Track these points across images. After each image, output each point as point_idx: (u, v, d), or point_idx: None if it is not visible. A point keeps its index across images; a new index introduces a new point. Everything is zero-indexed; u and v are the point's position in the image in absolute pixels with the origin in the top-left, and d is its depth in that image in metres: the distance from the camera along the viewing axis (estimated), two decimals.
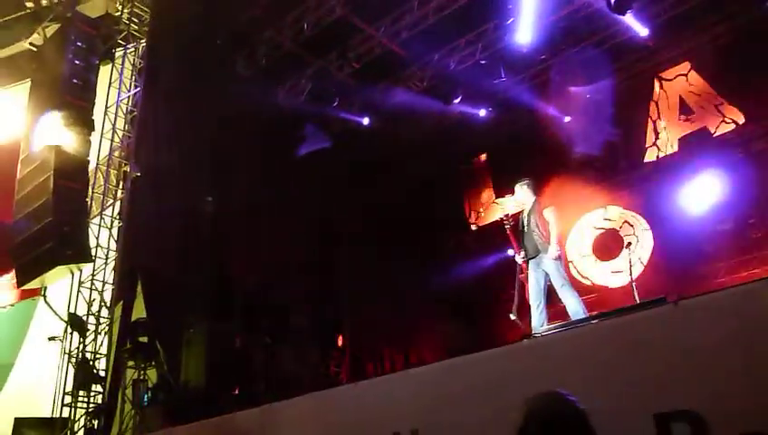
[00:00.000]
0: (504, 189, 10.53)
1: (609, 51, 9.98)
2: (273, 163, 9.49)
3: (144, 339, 8.54)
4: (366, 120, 11.40)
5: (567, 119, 10.75)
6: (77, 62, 10.03)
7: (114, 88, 10.53)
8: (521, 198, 6.45)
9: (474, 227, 12.24)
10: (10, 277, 11.35)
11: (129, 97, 10.51)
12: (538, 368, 4.74)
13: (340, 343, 9.65)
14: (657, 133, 10.10)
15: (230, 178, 9.30)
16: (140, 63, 10.80)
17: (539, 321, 6.10)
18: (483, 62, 10.39)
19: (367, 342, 10.05)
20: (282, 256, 9.35)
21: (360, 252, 10.06)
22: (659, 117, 10.16)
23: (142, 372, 8.49)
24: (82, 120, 9.50)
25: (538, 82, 10.81)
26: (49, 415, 9.04)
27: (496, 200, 11.81)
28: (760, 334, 3.18)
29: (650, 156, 10.14)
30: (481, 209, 12.31)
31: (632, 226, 9.86)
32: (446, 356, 6.12)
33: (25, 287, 9.69)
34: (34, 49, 10.88)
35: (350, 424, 6.12)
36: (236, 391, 8.88)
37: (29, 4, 11.42)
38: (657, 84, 10.28)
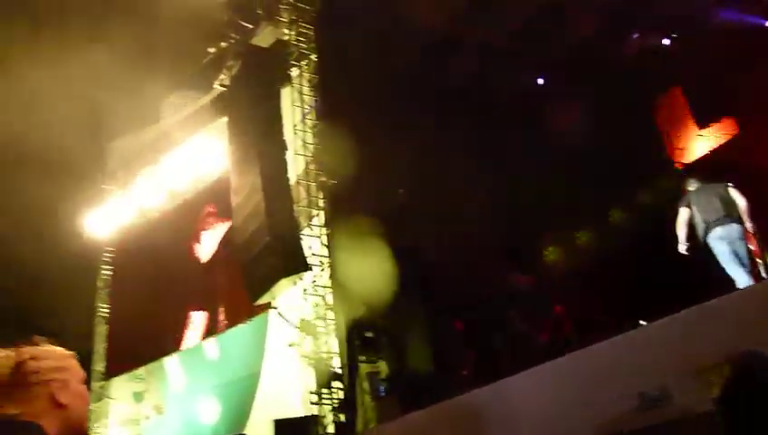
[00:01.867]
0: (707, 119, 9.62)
1: None
2: (461, 148, 9.51)
3: (369, 334, 9.02)
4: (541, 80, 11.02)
5: None
6: (261, 91, 10.88)
7: (297, 107, 11.22)
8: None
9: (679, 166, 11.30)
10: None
11: (311, 111, 11.14)
12: None
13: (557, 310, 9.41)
14: None
15: (422, 167, 9.47)
16: (315, 78, 11.40)
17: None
18: None
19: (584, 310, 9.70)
20: (483, 236, 9.33)
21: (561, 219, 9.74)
22: None
23: (374, 365, 8.98)
24: (277, 143, 10.29)
25: None
26: (299, 414, 9.88)
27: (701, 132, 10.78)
28: None
29: None
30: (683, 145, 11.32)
31: None
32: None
33: (258, 303, 10.69)
34: (224, 88, 11.95)
35: (587, 388, 5.97)
36: (465, 372, 9.07)
37: (212, 50, 12.59)
38: None
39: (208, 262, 13.54)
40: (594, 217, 9.28)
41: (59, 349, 1.72)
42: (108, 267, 15.91)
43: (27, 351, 1.64)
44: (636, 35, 10.46)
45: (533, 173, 9.87)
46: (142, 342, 14.41)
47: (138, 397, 14.86)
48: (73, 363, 1.72)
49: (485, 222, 9.93)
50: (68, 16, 12.33)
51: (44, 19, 12.80)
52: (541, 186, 9.68)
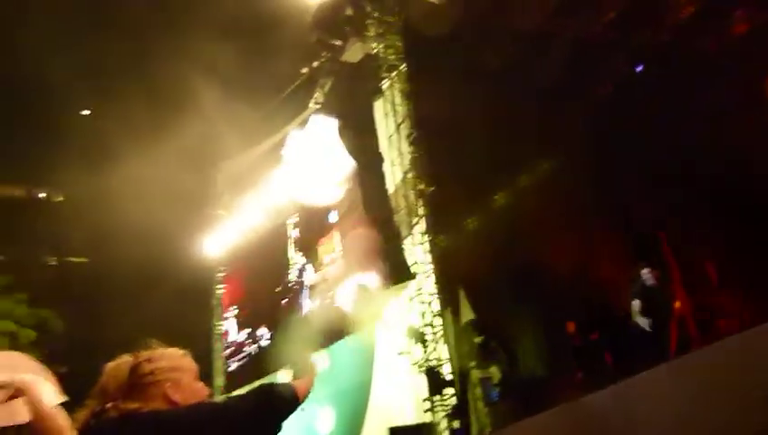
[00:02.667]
0: None
1: None
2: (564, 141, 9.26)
3: (479, 339, 8.95)
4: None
5: None
6: (354, 105, 11.12)
7: (390, 118, 11.36)
8: None
9: None
10: None
11: (404, 120, 11.24)
12: None
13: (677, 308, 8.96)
14: None
15: (522, 168, 9.34)
16: (406, 87, 11.49)
17: None
18: None
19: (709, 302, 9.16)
20: (594, 233, 9.04)
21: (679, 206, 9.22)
22: None
23: (486, 370, 8.90)
24: (373, 155, 10.46)
25: None
26: (413, 422, 9.94)
27: None
28: None
29: None
30: None
31: None
32: None
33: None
34: (319, 106, 12.29)
35: (717, 387, 5.64)
36: (578, 376, 8.81)
37: (304, 70, 12.99)
38: None
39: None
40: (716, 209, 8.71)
41: (173, 350, 1.86)
42: (221, 286, 16.72)
43: (143, 354, 1.80)
44: (740, 12, 9.82)
45: (641, 164, 9.43)
46: (257, 355, 15.04)
47: None
48: (186, 362, 1.86)
49: (599, 215, 9.54)
50: (166, 49, 13.09)
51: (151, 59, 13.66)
52: (655, 173, 9.18)
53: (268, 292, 14.96)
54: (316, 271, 13.46)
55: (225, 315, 16.48)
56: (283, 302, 14.37)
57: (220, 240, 16.02)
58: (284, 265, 14.53)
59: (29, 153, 17.95)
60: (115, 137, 13.55)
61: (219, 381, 15.79)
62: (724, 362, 5.83)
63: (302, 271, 14.14)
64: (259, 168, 14.99)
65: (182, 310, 14.67)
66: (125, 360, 1.82)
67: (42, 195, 23.23)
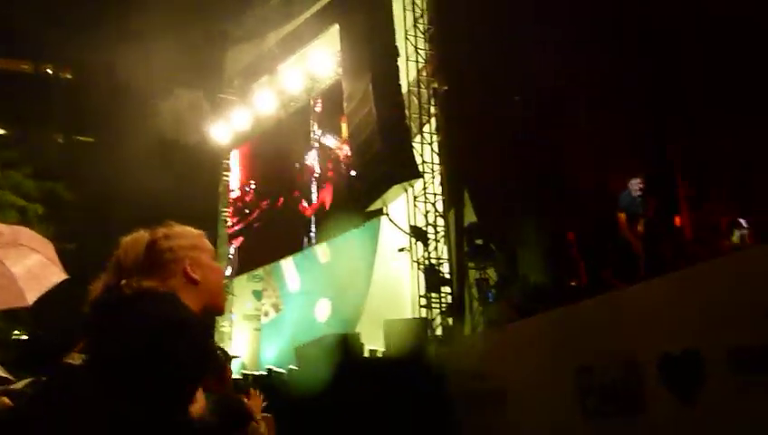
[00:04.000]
0: None
1: None
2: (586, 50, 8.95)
3: (479, 241, 9.06)
4: None
5: None
6: None
7: (409, 12, 10.99)
8: None
9: None
10: None
11: (424, 16, 10.88)
12: None
13: (677, 223, 8.97)
14: None
15: (540, 76, 9.07)
16: None
17: None
18: None
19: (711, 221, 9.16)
20: (609, 147, 8.91)
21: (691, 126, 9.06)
22: None
23: (483, 272, 9.08)
24: (388, 49, 10.19)
25: None
26: (409, 316, 10.24)
27: None
28: None
29: None
30: None
31: None
32: None
33: (370, 209, 10.96)
34: None
35: (717, 302, 5.74)
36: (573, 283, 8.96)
37: None
38: None
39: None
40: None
41: (190, 228, 1.79)
42: (227, 173, 16.80)
43: (161, 230, 1.73)
44: None
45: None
46: (261, 245, 15.33)
47: (258, 295, 15.94)
48: (205, 242, 1.80)
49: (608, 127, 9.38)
50: None
51: None
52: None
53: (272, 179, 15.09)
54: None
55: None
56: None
57: (229, 125, 15.92)
58: (305, 141, 14.53)
59: (38, 30, 17.58)
60: (125, 14, 13.21)
61: (222, 265, 16.19)
62: (719, 278, 5.92)
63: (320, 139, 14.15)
64: (273, 56, 14.69)
65: (189, 193, 14.81)
66: (142, 235, 1.73)
67: (48, 70, 22.93)
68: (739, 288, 5.55)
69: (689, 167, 9.49)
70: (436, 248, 10.06)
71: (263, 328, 15.59)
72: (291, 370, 10.60)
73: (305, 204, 14.37)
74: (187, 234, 1.76)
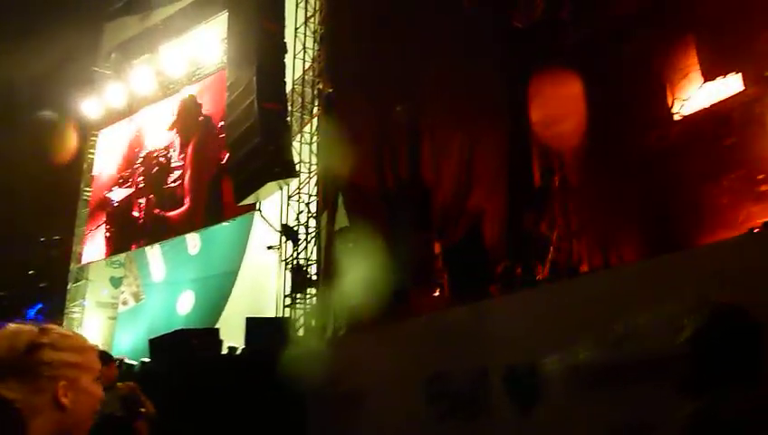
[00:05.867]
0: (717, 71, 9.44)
1: None
2: (465, 65, 9.28)
3: (351, 244, 9.11)
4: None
5: None
6: None
7: (301, 8, 10.90)
8: None
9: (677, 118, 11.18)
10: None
11: (315, 15, 10.83)
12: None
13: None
14: None
15: (422, 84, 9.28)
16: None
17: None
18: None
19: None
20: (476, 161, 9.27)
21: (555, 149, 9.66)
22: None
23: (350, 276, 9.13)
24: (276, 43, 10.04)
25: None
26: (273, 315, 10.12)
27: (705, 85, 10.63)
28: None
29: None
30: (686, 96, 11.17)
31: None
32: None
33: (242, 203, 10.73)
34: None
35: (559, 321, 6.13)
36: (437, 293, 9.23)
37: None
38: None
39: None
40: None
41: (81, 339, 1.58)
42: (94, 151, 15.82)
43: (49, 335, 1.50)
44: None
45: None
46: (124, 229, 14.55)
47: (116, 282, 15.14)
48: (92, 359, 1.58)
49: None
50: None
51: None
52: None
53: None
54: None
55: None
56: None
57: (102, 101, 15.01)
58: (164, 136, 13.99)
59: None
60: None
61: (78, 248, 15.22)
62: (566, 299, 6.32)
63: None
64: (156, 35, 14.06)
65: (48, 166, 13.85)
66: (23, 330, 1.48)
67: None
68: (582, 309, 5.95)
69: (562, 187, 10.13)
70: (306, 249, 10.01)
71: (119, 317, 14.84)
72: (143, 362, 10.14)
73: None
74: (75, 347, 1.53)
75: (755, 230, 6.24)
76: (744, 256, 5.00)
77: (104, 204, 15.11)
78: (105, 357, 3.36)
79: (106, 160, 15.52)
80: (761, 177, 8.73)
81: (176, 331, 9.88)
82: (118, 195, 14.86)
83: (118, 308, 14.92)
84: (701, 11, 10.27)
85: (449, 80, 9.18)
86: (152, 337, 10.05)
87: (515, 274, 8.47)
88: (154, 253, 14.54)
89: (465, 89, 9.36)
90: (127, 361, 10.94)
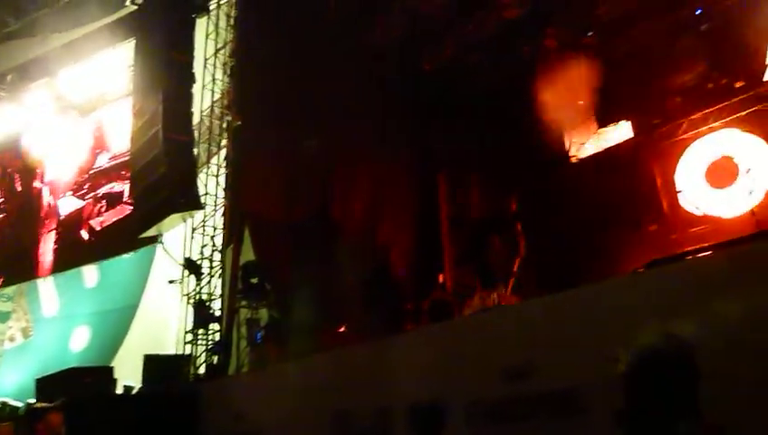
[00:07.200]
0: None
1: None
2: (372, 102, 9.44)
3: (255, 280, 8.97)
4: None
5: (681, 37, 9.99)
6: (175, 17, 10.38)
7: (211, 40, 10.80)
8: None
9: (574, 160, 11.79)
10: None
11: (225, 48, 10.76)
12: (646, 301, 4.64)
13: (440, 280, 9.69)
14: None
15: (331, 119, 9.35)
16: (235, 13, 10.98)
17: None
18: None
19: (467, 281, 10.06)
20: (386, 195, 9.40)
21: (460, 190, 9.96)
22: None
23: (255, 312, 8.97)
24: (184, 73, 9.89)
25: None
26: (173, 352, 9.76)
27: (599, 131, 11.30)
28: None
29: None
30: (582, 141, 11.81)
31: (751, 151, 9.17)
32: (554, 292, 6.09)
33: (144, 235, 10.39)
34: (136, 7, 11.33)
35: (459, 358, 6.23)
36: (342, 329, 9.21)
37: None
38: None
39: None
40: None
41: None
42: None
43: None
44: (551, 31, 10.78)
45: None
46: (13, 259, 13.73)
47: (2, 317, 14.19)
48: None
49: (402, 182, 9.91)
50: None
51: None
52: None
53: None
54: None
55: None
56: None
57: None
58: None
59: None
60: None
61: None
62: (468, 336, 6.44)
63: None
64: (56, 59, 13.52)
65: None
66: None
67: None
68: (485, 345, 6.08)
69: (454, 225, 10.42)
70: (209, 283, 9.76)
71: (4, 355, 13.86)
72: (28, 404, 9.48)
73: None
74: None
75: (639, 270, 6.61)
76: (634, 294, 5.27)
77: None
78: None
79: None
80: (647, 218, 9.40)
81: (67, 369, 9.34)
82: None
83: (3, 345, 13.94)
84: (599, 62, 11.03)
85: (359, 116, 9.33)
86: (41, 376, 9.45)
87: (423, 310, 8.60)
88: (47, 285, 13.76)
89: (375, 126, 9.55)
90: (11, 402, 10.22)
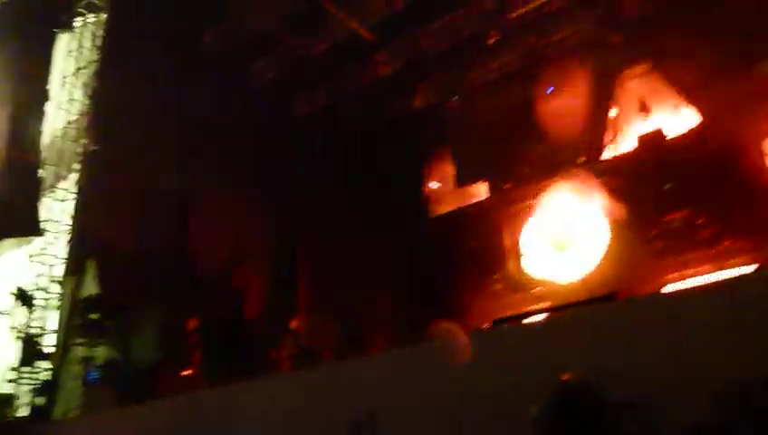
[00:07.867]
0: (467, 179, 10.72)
1: (571, 48, 10.08)
2: (238, 141, 9.34)
3: (95, 316, 8.37)
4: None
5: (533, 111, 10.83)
6: (34, 29, 9.76)
7: (72, 57, 10.21)
8: None
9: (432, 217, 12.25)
10: None
11: (87, 69, 10.21)
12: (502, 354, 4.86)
13: (293, 326, 9.60)
14: (616, 131, 10.24)
15: (193, 155, 9.11)
16: (101, 35, 10.48)
17: None
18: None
19: (322, 327, 10.05)
20: (243, 238, 9.24)
21: (321, 237, 10.02)
22: (619, 115, 10.29)
23: (91, 350, 8.34)
24: (37, 88, 9.26)
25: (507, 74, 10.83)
26: None
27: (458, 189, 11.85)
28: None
29: (609, 153, 10.27)
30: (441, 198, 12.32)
31: (587, 221, 9.98)
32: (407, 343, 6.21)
33: None
34: None
35: (309, 407, 6.14)
36: (187, 372, 8.81)
37: None
38: (618, 82, 10.38)
39: None
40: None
41: None
42: None
43: None
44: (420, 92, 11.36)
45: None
46: None
47: None
48: None
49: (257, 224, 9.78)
50: None
51: None
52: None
53: None
54: None
55: None
56: None
57: None
58: None
59: None
60: None
61: None
62: (319, 385, 6.38)
63: None
64: None
65: None
66: None
67: None
68: (330, 395, 6.05)
69: (310, 273, 10.43)
70: (42, 317, 8.97)
71: None
72: None
73: None
74: None
75: (485, 327, 6.95)
76: (491, 346, 5.47)
77: None
78: None
79: None
80: (496, 276, 9.94)
81: None
82: None
83: None
84: (458, 125, 11.67)
85: (222, 154, 9.18)
86: None
87: (281, 357, 8.47)
88: None
89: (239, 165, 9.42)
90: None
